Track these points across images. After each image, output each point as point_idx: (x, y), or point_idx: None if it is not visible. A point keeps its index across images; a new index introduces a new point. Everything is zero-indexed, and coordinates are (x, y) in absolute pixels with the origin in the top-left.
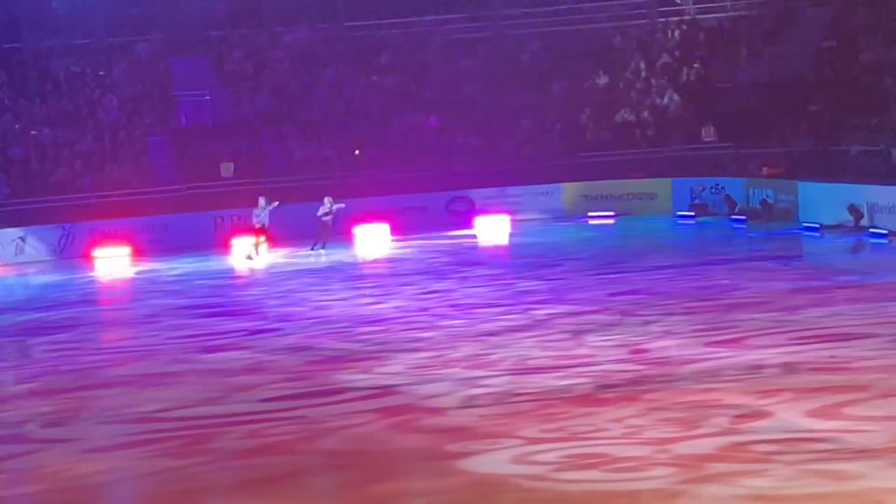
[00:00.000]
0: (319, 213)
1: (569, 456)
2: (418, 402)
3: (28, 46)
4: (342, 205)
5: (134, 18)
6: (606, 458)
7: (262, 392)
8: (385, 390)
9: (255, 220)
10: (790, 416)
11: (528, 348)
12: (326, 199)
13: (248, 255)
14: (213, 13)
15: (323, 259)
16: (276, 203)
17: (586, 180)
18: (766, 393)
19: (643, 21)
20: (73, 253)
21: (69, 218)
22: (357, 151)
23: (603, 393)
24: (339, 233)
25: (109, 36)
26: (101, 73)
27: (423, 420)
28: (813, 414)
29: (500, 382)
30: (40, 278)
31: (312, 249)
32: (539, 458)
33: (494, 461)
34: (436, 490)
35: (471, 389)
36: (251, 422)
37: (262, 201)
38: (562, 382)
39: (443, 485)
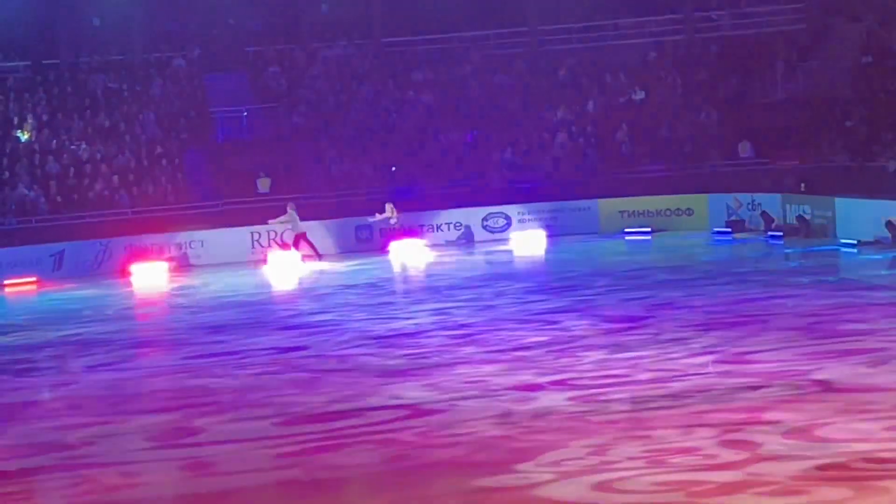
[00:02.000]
0: (378, 219)
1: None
2: (455, 419)
3: (66, 62)
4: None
5: (171, 34)
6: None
7: (300, 408)
8: (421, 407)
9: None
10: (833, 434)
11: (565, 365)
12: (388, 206)
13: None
14: (250, 29)
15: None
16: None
17: (622, 196)
18: (806, 410)
19: (679, 37)
20: (110, 268)
21: (106, 233)
22: (393, 168)
23: (640, 409)
24: (376, 248)
25: (147, 52)
26: (139, 88)
27: (460, 437)
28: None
29: (537, 398)
30: (77, 293)
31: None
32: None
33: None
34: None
35: (507, 405)
36: (289, 436)
37: (289, 208)
38: (599, 399)
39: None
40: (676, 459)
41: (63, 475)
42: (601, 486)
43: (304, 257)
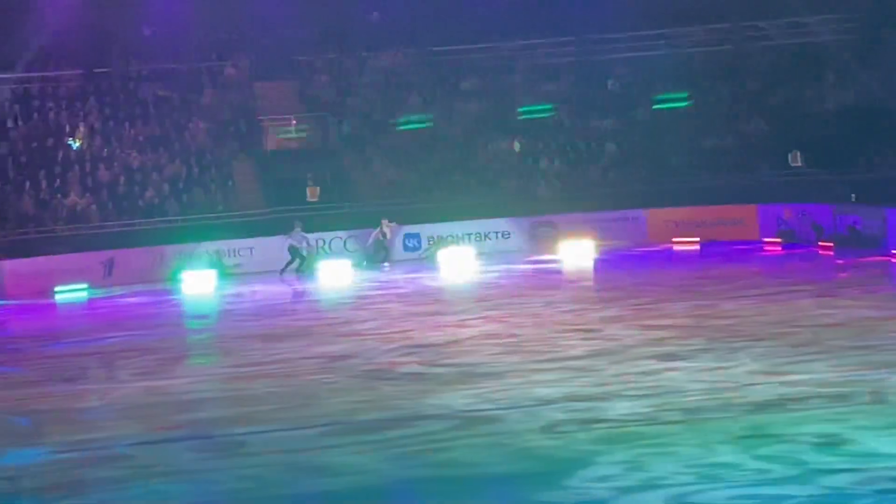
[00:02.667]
0: (373, 236)
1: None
2: (503, 429)
3: (117, 71)
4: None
5: (221, 43)
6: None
7: (349, 418)
8: (469, 416)
9: (295, 244)
10: (885, 447)
11: (614, 374)
12: (383, 222)
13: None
14: (300, 38)
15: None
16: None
17: (671, 206)
18: (856, 421)
19: (728, 46)
20: (160, 275)
21: (156, 241)
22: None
23: (693, 420)
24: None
25: (197, 60)
26: (189, 97)
27: (508, 445)
28: None
29: (587, 408)
30: (128, 301)
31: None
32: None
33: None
34: None
35: (557, 415)
36: (337, 446)
37: (297, 226)
38: (647, 409)
39: None
40: (738, 473)
41: (112, 483)
42: (676, 500)
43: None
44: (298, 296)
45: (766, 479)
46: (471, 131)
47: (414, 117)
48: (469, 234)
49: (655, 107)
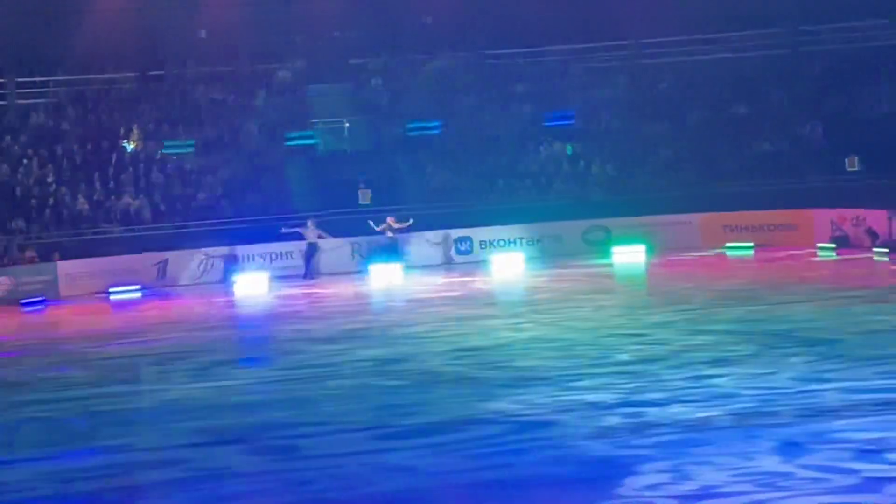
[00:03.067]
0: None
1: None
2: (555, 433)
3: (171, 73)
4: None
5: (275, 46)
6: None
7: (400, 421)
8: (521, 420)
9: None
10: None
11: (665, 379)
12: (389, 219)
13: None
14: (354, 41)
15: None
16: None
17: (724, 211)
18: None
19: (784, 50)
20: (213, 277)
21: (210, 242)
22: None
23: (741, 425)
24: (475, 260)
25: (251, 63)
26: (243, 100)
27: (560, 450)
28: None
29: (636, 413)
30: (181, 302)
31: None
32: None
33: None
34: None
35: (607, 419)
36: (388, 450)
37: (310, 224)
38: (698, 415)
39: None
40: (794, 482)
41: (166, 486)
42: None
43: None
44: (353, 298)
45: (826, 489)
46: (522, 135)
47: (422, 123)
48: (520, 238)
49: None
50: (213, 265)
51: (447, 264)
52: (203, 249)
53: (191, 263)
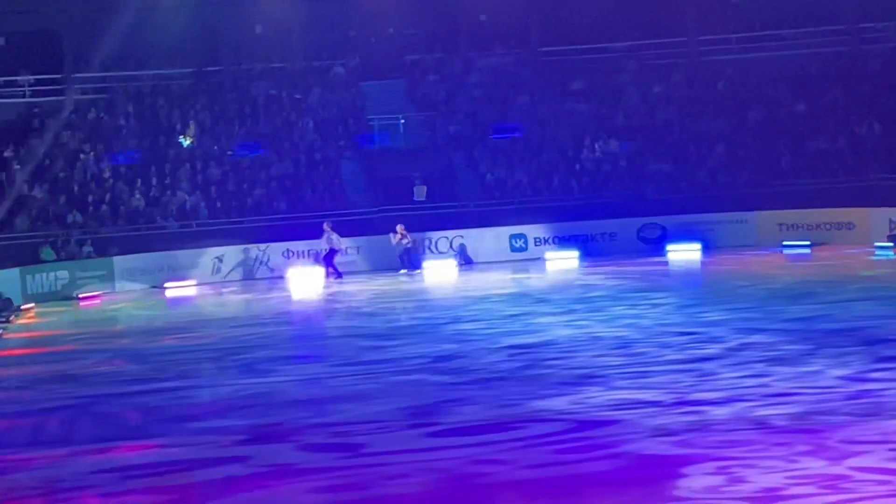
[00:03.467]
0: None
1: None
2: (610, 432)
3: (227, 69)
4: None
5: (330, 42)
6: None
7: (454, 419)
8: (575, 419)
9: (326, 245)
10: None
11: (722, 378)
12: (399, 227)
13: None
14: (408, 38)
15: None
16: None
17: (781, 209)
18: None
19: (842, 48)
20: (268, 273)
21: (265, 238)
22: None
23: (799, 424)
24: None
25: (307, 60)
26: (298, 96)
27: (617, 449)
28: None
29: (695, 412)
30: (235, 298)
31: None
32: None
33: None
34: None
35: (662, 418)
36: (442, 448)
37: (326, 227)
38: (754, 414)
39: None
40: (860, 483)
41: (222, 481)
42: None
43: (328, 275)
44: (407, 295)
45: (891, 491)
46: (578, 132)
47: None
48: (575, 235)
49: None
50: (267, 261)
51: (503, 261)
52: (257, 245)
53: (246, 259)
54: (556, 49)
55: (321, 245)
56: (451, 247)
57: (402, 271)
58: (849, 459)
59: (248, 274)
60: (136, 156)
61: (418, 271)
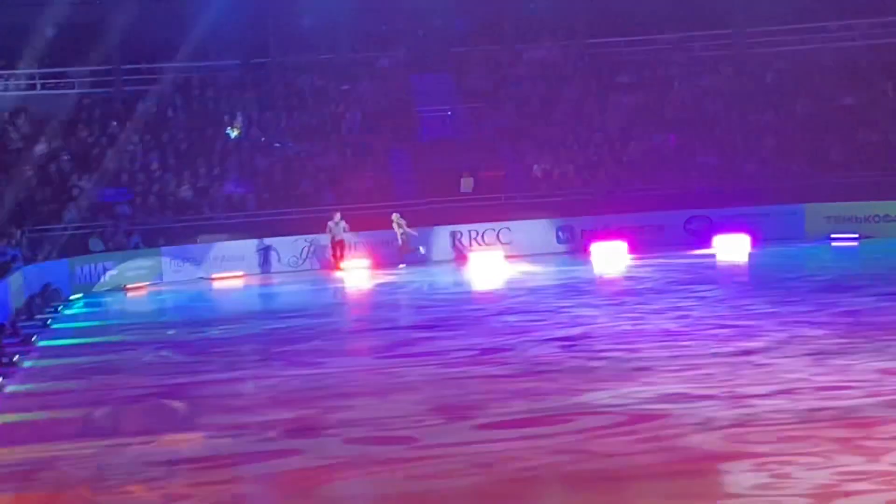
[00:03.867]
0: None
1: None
2: (655, 425)
3: (275, 61)
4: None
5: (378, 34)
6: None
7: (501, 412)
8: (621, 411)
9: (331, 234)
10: None
11: (768, 371)
12: (394, 216)
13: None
14: (456, 30)
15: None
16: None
17: (830, 201)
18: None
19: (892, 39)
20: (315, 264)
21: (312, 230)
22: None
23: (847, 418)
24: (577, 249)
25: (354, 51)
26: (345, 87)
27: (660, 442)
28: None
29: (740, 405)
30: (283, 289)
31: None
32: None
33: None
34: None
35: (710, 412)
36: (488, 441)
37: (336, 216)
38: (801, 408)
39: None
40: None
41: (268, 469)
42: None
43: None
44: (454, 286)
45: None
46: (626, 124)
47: None
48: (623, 227)
49: None
50: (315, 252)
51: (550, 253)
52: (304, 236)
53: (294, 250)
54: (604, 41)
55: (333, 233)
56: (497, 238)
57: (401, 266)
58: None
59: (295, 264)
60: (185, 147)
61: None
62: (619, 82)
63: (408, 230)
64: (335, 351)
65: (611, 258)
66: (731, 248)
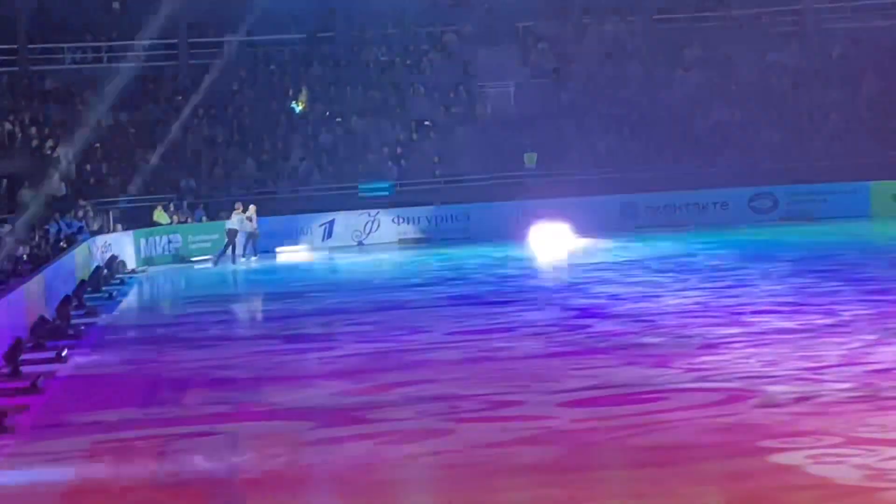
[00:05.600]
0: (234, 222)
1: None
2: (719, 399)
3: (341, 36)
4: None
5: (443, 9)
6: None
7: (570, 387)
8: (684, 388)
9: (231, 225)
10: None
11: (831, 349)
12: (249, 207)
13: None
14: (522, 5)
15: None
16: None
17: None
18: None
19: None
20: (378, 238)
21: (375, 204)
22: None
23: None
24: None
25: (420, 26)
26: (410, 62)
27: (724, 417)
28: None
29: (803, 382)
30: (347, 263)
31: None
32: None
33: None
34: (744, 489)
35: (773, 389)
36: (549, 416)
37: (240, 207)
38: (866, 388)
39: (752, 485)
40: None
41: (329, 442)
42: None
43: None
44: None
45: None
46: (691, 101)
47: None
48: (687, 205)
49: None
50: (378, 226)
51: (615, 230)
52: (368, 211)
53: (357, 224)
54: (670, 17)
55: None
56: (561, 214)
57: (242, 259)
58: None
59: (359, 239)
60: (250, 121)
61: (256, 258)
62: (686, 58)
63: (256, 228)
64: (395, 324)
65: (673, 235)
66: (794, 226)
